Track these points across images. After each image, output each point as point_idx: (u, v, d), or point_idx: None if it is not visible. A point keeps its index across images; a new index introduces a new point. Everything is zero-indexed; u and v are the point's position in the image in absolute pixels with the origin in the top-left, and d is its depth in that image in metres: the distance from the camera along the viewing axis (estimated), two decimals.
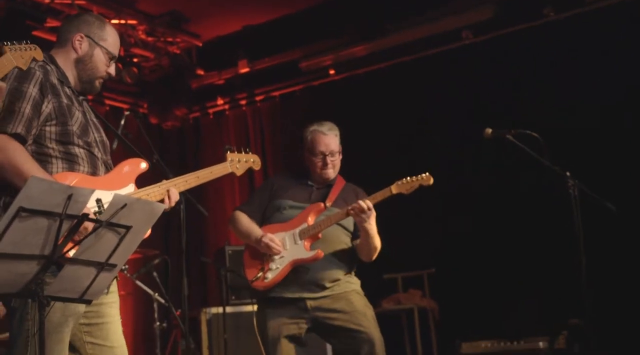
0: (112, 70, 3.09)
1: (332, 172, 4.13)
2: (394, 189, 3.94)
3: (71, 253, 2.30)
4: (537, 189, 5.47)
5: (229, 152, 3.51)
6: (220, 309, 5.58)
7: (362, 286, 4.14)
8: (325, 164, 4.10)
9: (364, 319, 3.98)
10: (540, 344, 5.05)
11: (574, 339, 5.17)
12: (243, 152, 3.59)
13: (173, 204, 3.10)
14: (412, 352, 6.08)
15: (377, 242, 4.01)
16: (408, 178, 3.93)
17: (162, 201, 3.04)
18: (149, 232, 2.88)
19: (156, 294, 5.08)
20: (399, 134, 6.40)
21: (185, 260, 4.64)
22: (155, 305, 5.12)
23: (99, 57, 3.05)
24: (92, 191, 2.26)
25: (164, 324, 5.14)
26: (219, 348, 5.53)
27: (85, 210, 2.22)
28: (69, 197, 2.08)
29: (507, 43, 6.16)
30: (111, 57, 3.08)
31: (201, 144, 7.90)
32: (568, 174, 4.08)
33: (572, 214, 4.02)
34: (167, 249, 6.86)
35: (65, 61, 3.03)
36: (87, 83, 3.05)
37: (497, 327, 5.51)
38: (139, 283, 5.07)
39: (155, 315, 5.12)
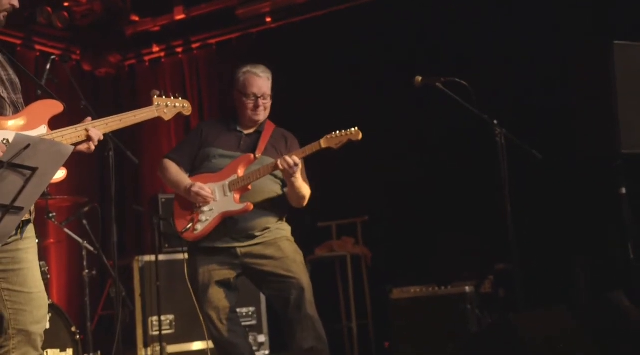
0: (14, 1, 2.91)
1: (262, 114, 4.10)
2: (323, 143, 3.92)
3: None
4: (465, 136, 5.48)
5: (155, 97, 3.41)
6: (153, 257, 5.52)
7: (297, 234, 4.14)
8: (256, 106, 4.07)
9: (294, 265, 3.99)
10: (467, 288, 5.11)
11: (499, 283, 5.26)
12: (172, 97, 3.49)
13: (95, 143, 2.97)
14: (344, 299, 6.13)
15: (305, 191, 4.02)
16: (337, 132, 3.91)
17: (81, 143, 2.92)
18: (63, 175, 2.78)
19: (85, 242, 4.96)
20: (333, 83, 6.32)
21: (119, 208, 4.55)
22: (84, 253, 4.99)
23: None
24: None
25: (94, 272, 5.03)
26: (152, 295, 5.49)
27: None
28: None
29: None
30: None
31: (137, 92, 7.72)
32: (495, 122, 4.10)
33: (498, 161, 4.05)
34: (101, 197, 6.71)
35: None
36: None
37: (426, 273, 5.56)
38: (67, 231, 4.93)
39: (85, 263, 5.00)
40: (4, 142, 2.62)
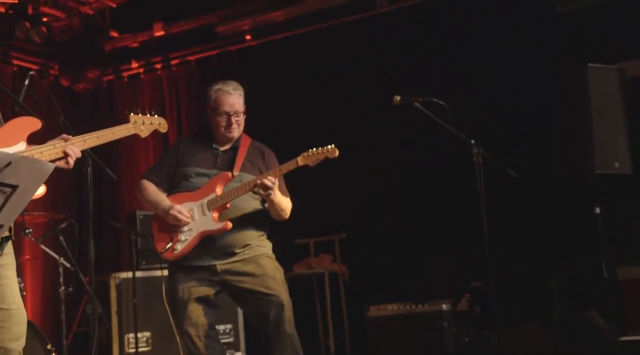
0: None
1: (236, 131, 4.07)
2: (300, 160, 3.89)
3: None
4: (442, 156, 5.52)
5: (132, 114, 3.42)
6: (130, 274, 5.46)
7: (274, 250, 4.11)
8: (229, 124, 4.03)
9: (273, 282, 3.95)
10: (444, 306, 5.12)
11: (475, 301, 5.29)
12: (148, 115, 3.49)
13: (73, 159, 2.97)
14: (322, 316, 6.11)
15: (285, 205, 4.00)
16: (314, 150, 3.88)
17: (59, 160, 2.92)
18: (42, 191, 2.77)
19: (62, 258, 4.91)
20: (312, 100, 6.35)
21: (96, 224, 4.50)
22: (60, 269, 4.94)
23: None
24: None
25: (70, 289, 4.98)
26: (128, 313, 5.43)
27: None
28: None
29: (421, 11, 6.16)
30: None
31: (115, 108, 7.67)
32: (473, 141, 4.14)
33: (475, 180, 4.09)
34: (78, 213, 6.65)
35: None
36: None
37: (403, 291, 5.58)
38: (43, 247, 4.88)
39: (61, 280, 4.95)
40: None
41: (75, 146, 2.96)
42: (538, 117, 5.04)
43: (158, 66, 7.58)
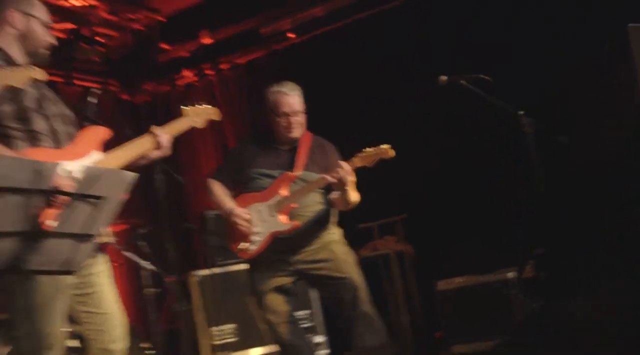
0: (52, 39, 3.05)
1: (297, 131, 4.09)
2: (357, 161, 3.88)
3: (49, 226, 2.29)
4: (492, 130, 5.49)
5: (183, 108, 3.45)
6: (208, 271, 5.59)
7: None
8: (289, 124, 4.06)
9: (346, 265, 4.02)
10: (509, 274, 5.12)
11: (540, 267, 5.25)
12: (197, 105, 3.47)
13: (165, 140, 3.10)
14: (392, 295, 6.13)
15: (355, 198, 4.03)
16: (368, 150, 3.87)
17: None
18: (124, 198, 2.88)
19: (144, 262, 5.08)
20: (359, 89, 6.35)
21: (170, 227, 4.66)
22: (144, 272, 5.12)
23: (37, 27, 3.01)
24: (57, 164, 2.22)
25: (156, 290, 5.14)
26: (211, 307, 5.55)
27: (59, 182, 2.20)
28: (36, 172, 2.06)
29: None
30: (45, 24, 3.04)
31: (173, 115, 7.75)
32: (521, 113, 4.13)
33: (528, 150, 4.07)
34: (152, 218, 6.84)
35: (7, 40, 2.97)
36: (34, 55, 3.00)
37: (468, 263, 5.56)
38: (126, 253, 5.06)
39: (145, 282, 5.12)
40: (69, 173, 2.74)
41: (144, 145, 3.08)
42: (583, 85, 4.96)
43: (209, 72, 7.70)
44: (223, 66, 7.59)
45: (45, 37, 3.02)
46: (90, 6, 6.81)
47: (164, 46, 7.60)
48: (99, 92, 4.33)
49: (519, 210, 5.35)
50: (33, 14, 2.98)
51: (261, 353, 5.69)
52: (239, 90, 7.48)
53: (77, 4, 6.53)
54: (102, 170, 2.32)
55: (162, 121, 8.16)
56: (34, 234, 2.21)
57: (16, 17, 2.95)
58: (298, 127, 4.08)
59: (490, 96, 4.13)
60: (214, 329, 5.56)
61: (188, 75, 7.80)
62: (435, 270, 5.75)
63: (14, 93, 2.77)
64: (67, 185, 2.25)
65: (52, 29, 3.08)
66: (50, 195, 2.17)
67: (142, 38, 7.26)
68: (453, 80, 4.19)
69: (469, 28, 5.93)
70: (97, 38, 7.09)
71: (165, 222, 4.32)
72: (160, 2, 7.17)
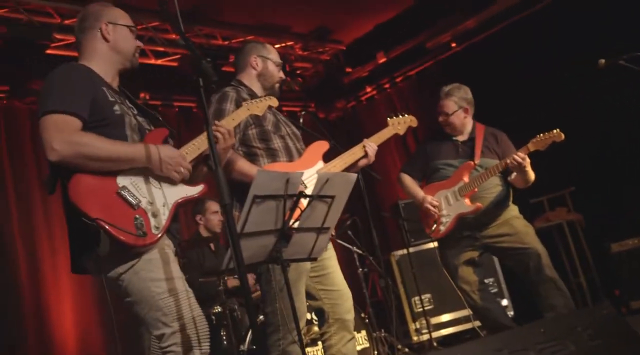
0: (282, 74, 3.20)
1: (449, 128, 4.07)
2: (531, 146, 3.76)
3: (295, 224, 2.40)
4: None
5: (389, 118, 3.52)
6: (405, 251, 5.62)
7: None
8: (443, 122, 4.08)
9: (527, 237, 3.89)
10: None
11: None
12: (400, 116, 3.57)
13: (373, 153, 3.16)
14: (568, 260, 5.81)
15: (532, 177, 3.91)
16: (541, 135, 3.73)
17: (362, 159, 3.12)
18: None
19: (354, 248, 5.18)
20: (520, 84, 6.04)
21: (371, 216, 4.69)
22: (355, 256, 5.22)
23: (271, 67, 3.16)
24: (302, 174, 2.33)
25: (365, 270, 5.24)
26: (410, 281, 5.58)
27: (303, 187, 2.30)
28: (287, 181, 2.16)
29: None
30: (278, 65, 3.19)
31: (361, 127, 7.91)
32: None
33: None
34: (353, 211, 6.97)
35: (250, 79, 3.16)
36: (270, 89, 3.17)
37: (638, 226, 5.14)
38: (340, 241, 5.19)
39: (357, 264, 5.23)
40: (308, 180, 2.86)
41: (357, 154, 3.14)
42: None
43: (387, 86, 7.70)
44: (398, 79, 7.57)
45: (278, 74, 3.19)
46: (288, 46, 7.10)
47: (348, 69, 7.73)
48: (304, 113, 4.48)
49: None
50: (270, 57, 3.15)
51: (456, 317, 5.63)
52: (414, 98, 7.41)
53: (278, 46, 6.82)
54: (331, 174, 2.39)
55: (352, 132, 8.36)
56: (285, 231, 2.32)
57: (259, 62, 3.15)
58: (447, 125, 4.05)
59: None
60: (414, 298, 5.59)
61: (369, 91, 7.87)
62: (606, 235, 5.39)
63: (256, 119, 2.94)
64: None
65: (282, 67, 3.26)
66: (297, 198, 2.27)
67: (330, 66, 7.43)
68: (612, 62, 3.87)
69: (618, 12, 5.47)
70: (297, 71, 7.38)
71: (365, 212, 4.36)
72: (341, 34, 7.32)
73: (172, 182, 2.30)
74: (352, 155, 3.10)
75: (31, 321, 5.00)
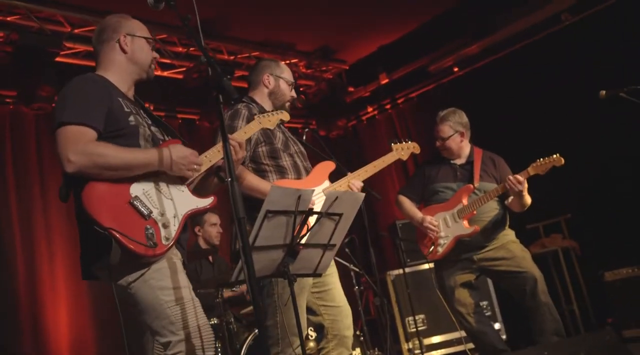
0: (293, 93, 3.27)
1: (446, 152, 4.11)
2: (531, 170, 3.81)
3: (303, 240, 2.45)
4: None
5: (393, 144, 3.58)
6: (400, 271, 5.64)
7: None
8: (439, 147, 4.12)
9: (523, 261, 3.93)
10: None
11: None
12: (404, 142, 3.63)
13: (358, 189, 3.20)
14: (562, 287, 5.85)
15: (528, 201, 3.96)
16: (541, 160, 3.79)
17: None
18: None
19: (351, 265, 5.22)
20: (519, 110, 6.15)
21: (369, 235, 4.72)
22: (352, 273, 5.25)
23: (283, 86, 3.23)
24: (313, 191, 2.39)
25: (358, 287, 5.26)
26: (405, 301, 5.60)
27: (312, 204, 2.35)
28: (299, 198, 2.21)
29: (603, 18, 5.79)
30: (290, 84, 3.25)
31: (361, 146, 7.98)
32: None
33: None
34: (351, 229, 6.98)
35: (262, 97, 3.22)
36: (280, 107, 3.22)
37: (633, 256, 5.20)
38: (337, 258, 5.20)
39: (354, 281, 5.25)
40: (317, 197, 2.92)
41: (359, 177, 3.21)
42: None
43: (388, 107, 7.78)
44: (399, 101, 7.65)
45: (290, 93, 3.26)
46: (292, 64, 7.18)
47: (350, 89, 7.81)
48: (306, 130, 4.55)
49: None
50: (282, 76, 3.22)
51: (449, 338, 5.64)
52: (414, 120, 7.49)
53: (282, 63, 6.87)
54: (340, 193, 2.45)
55: (353, 151, 8.37)
56: (293, 246, 2.37)
57: (271, 81, 3.22)
58: (444, 150, 4.09)
59: None
60: (408, 318, 5.61)
61: (371, 111, 7.94)
62: (600, 263, 5.44)
63: (267, 137, 3.00)
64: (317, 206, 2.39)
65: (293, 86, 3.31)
66: (307, 215, 2.32)
67: (333, 84, 7.51)
68: (612, 94, 3.95)
69: (616, 50, 5.59)
70: (300, 88, 7.45)
71: (364, 231, 4.40)
72: (345, 54, 7.41)
73: (183, 192, 2.35)
74: (343, 182, 3.16)
75: (27, 325, 5.01)
